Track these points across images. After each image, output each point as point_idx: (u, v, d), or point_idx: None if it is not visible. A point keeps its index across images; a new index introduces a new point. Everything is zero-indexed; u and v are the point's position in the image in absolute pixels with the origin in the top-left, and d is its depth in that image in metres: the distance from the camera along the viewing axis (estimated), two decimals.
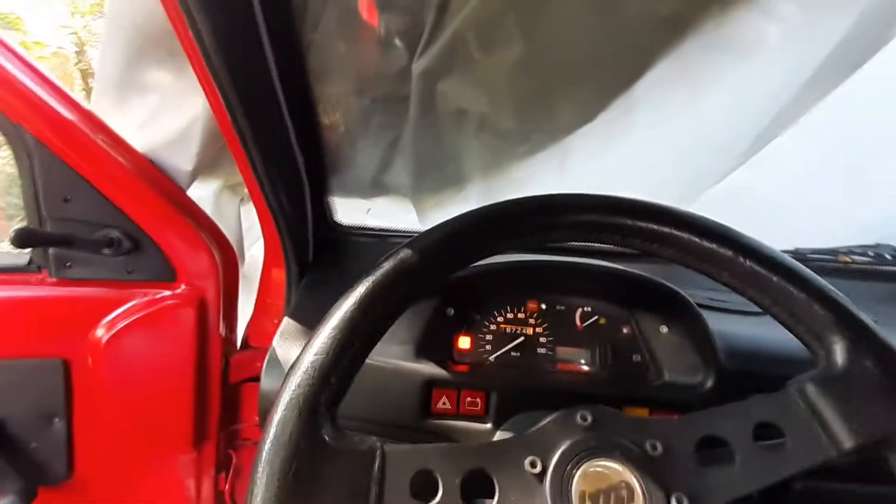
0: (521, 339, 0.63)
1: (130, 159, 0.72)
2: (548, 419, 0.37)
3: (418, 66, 0.56)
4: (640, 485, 0.33)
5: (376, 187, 0.81)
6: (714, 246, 0.39)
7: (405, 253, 0.38)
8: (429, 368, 0.58)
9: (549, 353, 0.63)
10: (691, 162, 0.70)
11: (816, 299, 0.37)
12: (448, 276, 0.39)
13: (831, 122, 0.71)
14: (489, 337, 0.64)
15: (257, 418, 0.93)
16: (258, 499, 0.31)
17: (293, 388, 0.34)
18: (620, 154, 0.65)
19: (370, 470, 0.33)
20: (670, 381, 0.58)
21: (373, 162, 0.75)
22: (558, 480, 0.34)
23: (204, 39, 0.44)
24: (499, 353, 0.63)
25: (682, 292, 0.57)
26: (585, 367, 0.62)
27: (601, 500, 0.33)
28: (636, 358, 0.62)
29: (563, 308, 0.65)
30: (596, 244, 0.48)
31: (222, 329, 0.84)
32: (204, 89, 0.54)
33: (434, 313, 0.60)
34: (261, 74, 0.54)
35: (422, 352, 0.58)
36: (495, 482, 0.34)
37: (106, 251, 0.72)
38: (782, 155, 0.79)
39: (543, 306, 0.65)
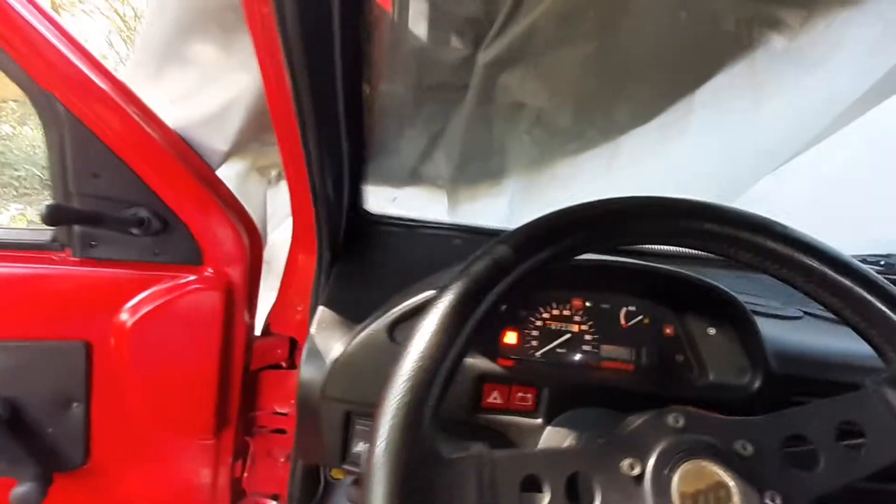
0: (568, 336, 0.64)
1: (162, 135, 0.69)
2: (639, 421, 0.37)
3: (485, 56, 0.55)
4: (736, 484, 0.34)
5: (413, 176, 0.80)
6: (802, 256, 0.40)
7: (502, 250, 0.38)
8: (480, 363, 0.58)
9: (594, 350, 0.64)
10: (732, 166, 0.71)
11: (891, 306, 0.38)
12: (543, 272, 0.39)
13: (850, 132, 0.74)
14: (535, 333, 0.64)
15: (276, 406, 0.92)
16: None
17: (398, 396, 0.33)
18: (669, 156, 0.65)
19: (482, 477, 0.33)
20: (716, 382, 0.59)
21: (415, 150, 0.74)
22: (657, 482, 0.34)
23: (283, 12, 0.42)
24: (546, 349, 0.63)
25: (734, 294, 0.58)
26: (629, 366, 0.63)
27: (700, 501, 0.34)
28: (679, 358, 0.63)
29: (607, 307, 0.65)
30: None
31: (246, 316, 0.82)
32: (262, 66, 0.52)
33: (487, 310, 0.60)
34: (326, 53, 0.52)
35: (473, 346, 0.58)
36: (596, 485, 0.34)
37: (135, 231, 0.69)
38: (801, 163, 0.81)
39: (588, 304, 0.65)
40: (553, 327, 0.64)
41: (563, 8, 0.49)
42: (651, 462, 0.35)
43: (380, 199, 0.93)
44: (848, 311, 0.39)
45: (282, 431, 0.91)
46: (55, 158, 0.64)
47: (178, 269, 0.73)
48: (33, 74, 0.59)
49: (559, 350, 0.63)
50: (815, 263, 0.39)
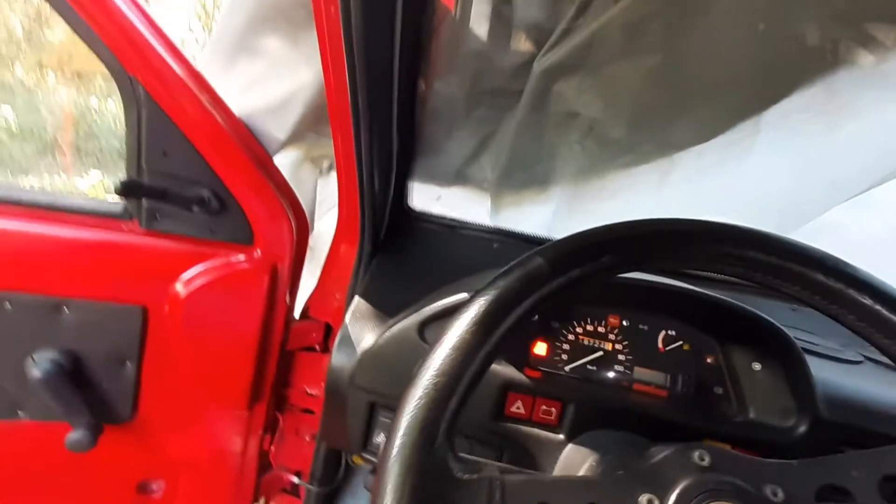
0: (600, 353, 0.62)
1: (228, 121, 0.73)
2: (663, 454, 0.36)
3: (542, 63, 0.54)
4: None
5: (459, 177, 0.80)
6: (854, 292, 0.37)
7: (536, 263, 0.37)
8: (506, 371, 0.58)
9: (627, 371, 0.62)
10: (798, 193, 0.67)
11: None
12: (576, 292, 0.38)
13: None
14: (566, 347, 0.63)
15: (307, 387, 0.96)
16: None
17: (413, 410, 0.33)
18: (729, 177, 0.62)
19: (492, 500, 0.32)
20: (757, 421, 0.56)
21: (463, 152, 0.74)
22: None
23: (348, 9, 0.43)
24: (575, 364, 0.62)
25: (784, 329, 0.55)
26: (663, 392, 0.61)
27: None
28: (718, 390, 0.60)
29: (645, 328, 0.63)
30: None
31: (288, 298, 0.85)
32: (324, 61, 0.54)
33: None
34: (385, 50, 0.53)
35: (501, 354, 0.58)
36: None
37: (195, 208, 0.73)
38: (877, 194, 0.74)
39: (625, 323, 0.63)
40: (586, 343, 0.63)
41: (629, 18, 0.47)
42: (671, 500, 0.33)
43: (424, 197, 0.94)
44: (871, 329, 0.35)
45: (310, 412, 0.95)
46: (131, 135, 0.69)
47: (230, 248, 0.77)
48: (121, 59, 0.65)
49: (590, 367, 0.62)
50: (867, 300, 0.36)
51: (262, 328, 0.81)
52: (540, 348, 0.63)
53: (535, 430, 0.57)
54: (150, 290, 0.74)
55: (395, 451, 0.32)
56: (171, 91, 0.68)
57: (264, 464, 0.96)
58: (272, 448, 0.94)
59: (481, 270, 0.65)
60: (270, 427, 0.94)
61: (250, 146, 0.76)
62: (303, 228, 0.84)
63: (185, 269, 0.75)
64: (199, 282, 0.75)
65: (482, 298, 0.36)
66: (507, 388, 0.57)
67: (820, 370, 0.57)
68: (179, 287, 0.75)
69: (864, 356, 0.67)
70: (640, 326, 0.63)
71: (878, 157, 0.58)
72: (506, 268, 0.38)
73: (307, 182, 0.87)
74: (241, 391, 0.83)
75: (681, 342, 0.62)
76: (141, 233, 0.74)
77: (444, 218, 0.91)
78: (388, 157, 0.71)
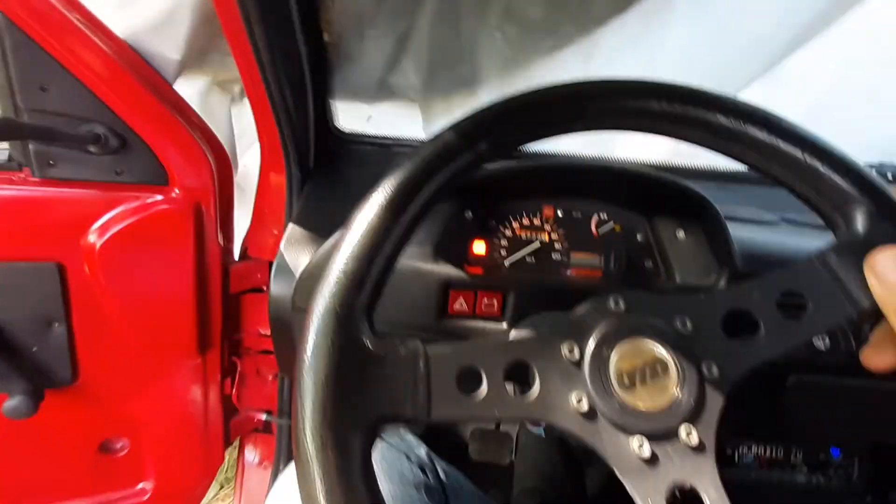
0: (537, 245, 0.63)
1: (111, 45, 0.65)
2: (580, 307, 0.37)
3: None
4: (673, 358, 0.34)
5: (381, 89, 0.76)
6: (743, 125, 0.37)
7: (440, 141, 0.36)
8: (446, 270, 0.58)
9: (564, 258, 0.63)
10: (719, 61, 0.67)
11: (841, 172, 0.36)
12: (485, 163, 0.37)
13: (847, 39, 0.68)
14: (504, 242, 0.63)
15: (260, 328, 0.94)
16: (307, 407, 0.31)
17: (327, 295, 0.32)
18: (651, 52, 0.61)
19: (415, 371, 0.32)
20: (682, 284, 0.59)
21: (380, 58, 0.70)
22: (596, 362, 0.34)
23: None
24: (514, 258, 0.62)
25: (704, 194, 0.57)
26: (598, 272, 0.63)
27: (637, 377, 0.34)
28: (649, 264, 0.62)
29: (578, 215, 0.64)
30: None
31: (220, 238, 0.81)
32: None
33: (452, 216, 0.59)
34: None
35: (439, 254, 0.58)
36: (535, 371, 0.34)
37: (92, 148, 0.66)
38: (798, 71, 0.76)
39: (559, 213, 0.64)
40: (523, 237, 0.63)
41: None
42: (590, 344, 0.35)
43: (353, 119, 0.90)
44: (800, 183, 0.37)
45: (269, 352, 0.94)
46: (0, 72, 0.60)
47: (143, 190, 0.72)
48: None
49: (528, 259, 0.63)
50: (765, 136, 0.37)
51: (196, 272, 0.77)
52: (479, 247, 0.63)
53: (479, 323, 0.59)
54: (59, 244, 0.69)
55: (310, 336, 0.31)
56: (36, 15, 0.59)
57: (230, 408, 0.96)
58: (234, 392, 0.94)
59: None
60: (229, 372, 0.93)
61: (142, 72, 0.68)
62: (223, 162, 0.79)
63: (95, 218, 0.69)
64: (113, 229, 0.69)
65: (389, 182, 0.35)
66: (448, 287, 0.58)
67: (739, 232, 0.60)
68: (92, 238, 0.69)
69: (783, 219, 0.72)
70: (574, 214, 0.64)
71: (789, 16, 0.58)
72: (415, 150, 0.36)
73: (219, 111, 0.80)
74: (187, 340, 0.81)
75: (612, 223, 0.63)
76: (35, 182, 0.67)
77: (376, 137, 0.87)
78: (298, 70, 0.66)
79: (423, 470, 0.63)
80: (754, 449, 0.71)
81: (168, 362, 0.83)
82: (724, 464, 0.70)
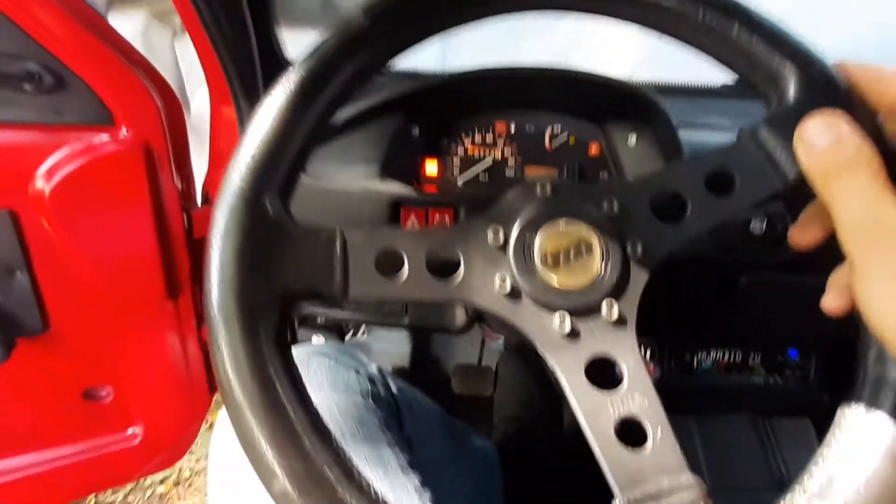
0: (490, 161, 0.62)
1: None
2: (508, 193, 0.36)
3: None
4: (598, 238, 0.34)
5: (327, 9, 0.72)
6: (688, 6, 0.36)
7: (354, 20, 0.34)
8: (395, 188, 0.57)
9: (517, 175, 0.63)
10: None
11: (773, 43, 0.35)
12: (401, 48, 0.35)
13: None
14: (457, 161, 0.62)
15: None
16: (213, 280, 0.31)
17: (236, 179, 0.32)
18: None
19: (332, 251, 0.32)
20: None
21: None
22: (520, 244, 0.34)
23: None
24: (467, 176, 0.62)
25: (654, 95, 0.55)
26: None
27: (562, 258, 0.34)
28: (603, 175, 0.62)
29: (532, 129, 0.63)
30: None
31: (177, 181, 0.80)
32: None
33: (398, 131, 0.57)
34: None
35: (387, 172, 0.57)
36: (460, 256, 0.34)
37: (26, 87, 0.64)
38: None
39: (512, 127, 0.62)
40: (475, 155, 0.62)
41: None
42: (515, 228, 0.35)
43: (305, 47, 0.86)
44: (734, 57, 0.36)
45: None
46: None
47: (87, 130, 0.69)
48: None
49: (481, 177, 0.62)
50: (699, 12, 0.35)
51: (154, 216, 0.76)
52: (431, 168, 0.62)
53: None
54: (6, 190, 0.67)
55: (219, 219, 0.31)
56: None
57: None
58: None
59: None
60: (203, 318, 0.93)
61: (70, 3, 0.64)
62: (171, 101, 0.76)
63: (39, 162, 0.67)
64: (61, 172, 0.67)
65: (300, 65, 0.33)
66: (399, 204, 0.57)
67: (694, 136, 0.59)
68: (40, 183, 0.67)
69: (740, 128, 0.70)
70: (527, 128, 0.63)
71: None
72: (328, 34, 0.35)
73: (161, 46, 0.76)
74: (155, 286, 0.81)
75: (566, 135, 0.62)
76: None
77: None
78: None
79: (371, 381, 0.63)
80: (713, 354, 0.73)
81: (139, 309, 0.84)
82: (684, 371, 0.72)
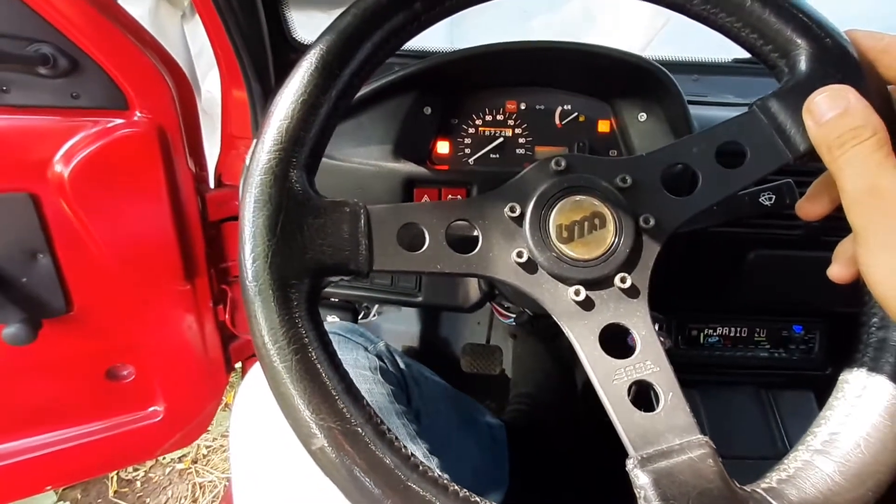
0: (500, 140, 0.63)
1: None
2: (524, 171, 0.37)
3: None
4: (611, 212, 0.35)
5: None
6: None
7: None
8: (408, 167, 0.58)
9: (528, 153, 0.63)
10: None
11: (786, 16, 0.35)
12: (422, 24, 0.36)
13: None
14: (468, 141, 0.63)
15: None
16: (247, 254, 0.32)
17: (264, 154, 0.33)
18: None
19: (356, 225, 0.33)
20: None
21: None
22: (536, 218, 0.36)
23: None
24: (478, 155, 0.62)
25: (665, 71, 0.56)
26: None
27: (576, 230, 0.35)
28: (613, 153, 0.62)
29: (542, 107, 0.63)
30: None
31: (191, 164, 0.81)
32: None
33: (410, 111, 0.58)
34: None
35: (400, 151, 0.58)
36: (478, 230, 0.35)
37: (42, 70, 0.65)
38: None
39: (523, 106, 0.63)
40: (486, 133, 0.63)
41: None
42: (531, 202, 0.36)
43: (318, 30, 0.86)
44: (745, 30, 0.36)
45: None
46: None
47: (103, 114, 0.70)
48: None
49: (493, 155, 0.63)
50: None
51: (170, 199, 0.77)
52: (443, 147, 0.63)
53: None
54: (27, 174, 0.69)
55: (250, 192, 0.32)
56: None
57: (228, 334, 1.00)
58: (228, 318, 0.97)
59: None
60: (220, 300, 0.96)
61: None
62: (183, 84, 0.77)
63: (58, 145, 0.69)
64: (78, 156, 0.69)
65: (323, 41, 0.34)
66: (413, 184, 0.58)
67: (705, 112, 0.60)
68: (59, 167, 0.69)
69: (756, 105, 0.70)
70: (538, 107, 0.63)
71: None
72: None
73: (170, 28, 0.77)
74: (172, 268, 0.83)
75: (576, 114, 0.62)
76: None
77: None
78: None
79: (379, 357, 0.64)
80: (719, 330, 0.74)
81: (158, 291, 0.86)
82: (690, 346, 0.74)
